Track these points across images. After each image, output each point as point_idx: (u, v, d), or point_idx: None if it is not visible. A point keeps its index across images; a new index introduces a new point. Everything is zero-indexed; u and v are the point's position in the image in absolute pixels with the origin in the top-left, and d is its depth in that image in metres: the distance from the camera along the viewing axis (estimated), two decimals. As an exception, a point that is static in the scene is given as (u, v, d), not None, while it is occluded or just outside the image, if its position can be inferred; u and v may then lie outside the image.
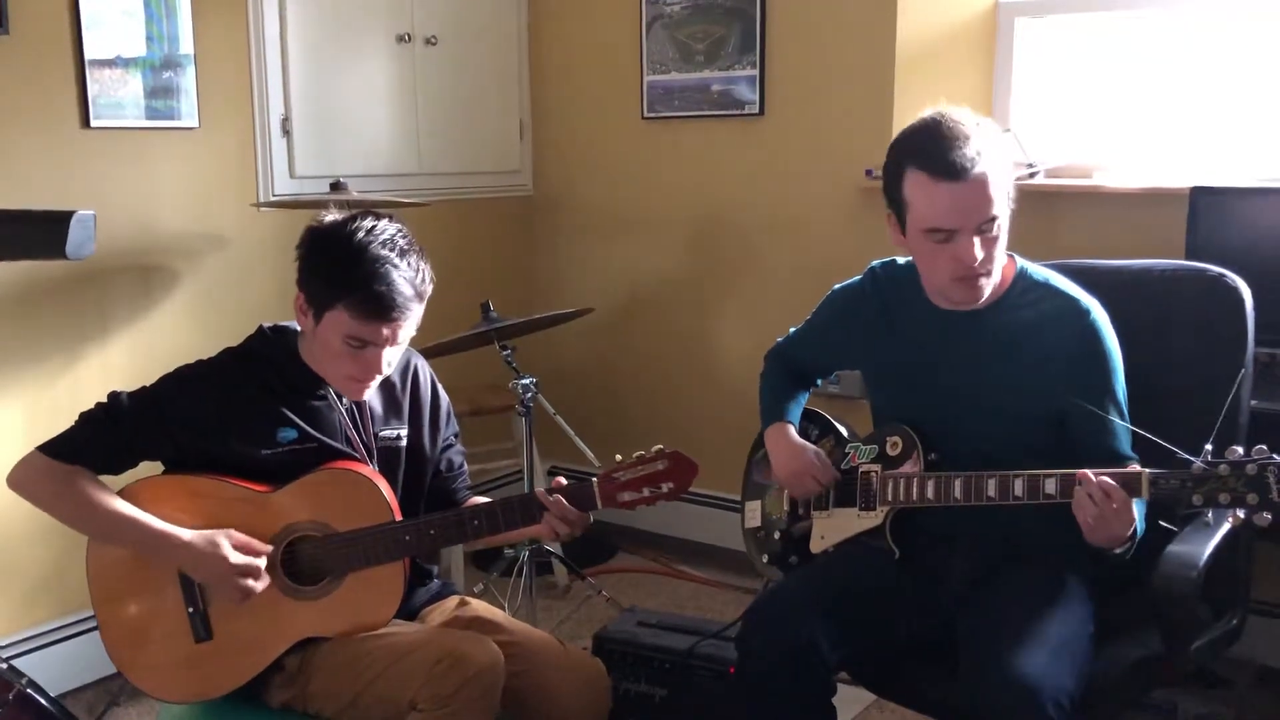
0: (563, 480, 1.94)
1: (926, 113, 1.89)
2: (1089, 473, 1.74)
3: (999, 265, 1.91)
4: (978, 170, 1.81)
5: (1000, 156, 1.85)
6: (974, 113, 1.89)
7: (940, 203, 1.83)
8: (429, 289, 1.90)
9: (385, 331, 1.85)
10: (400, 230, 1.90)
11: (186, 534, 1.84)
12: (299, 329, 1.96)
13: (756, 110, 3.56)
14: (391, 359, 1.91)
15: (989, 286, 1.91)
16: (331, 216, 1.93)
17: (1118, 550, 1.80)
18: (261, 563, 1.84)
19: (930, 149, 1.83)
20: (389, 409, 2.04)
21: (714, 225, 3.74)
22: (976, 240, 1.83)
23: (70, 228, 1.51)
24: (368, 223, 1.87)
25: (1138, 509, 1.76)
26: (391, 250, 1.85)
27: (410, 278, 1.86)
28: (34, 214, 1.61)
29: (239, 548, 1.84)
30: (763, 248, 3.64)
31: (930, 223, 1.85)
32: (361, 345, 1.86)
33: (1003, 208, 1.86)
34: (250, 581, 1.83)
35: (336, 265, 1.84)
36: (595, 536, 3.83)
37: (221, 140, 3.12)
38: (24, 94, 2.70)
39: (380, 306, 1.83)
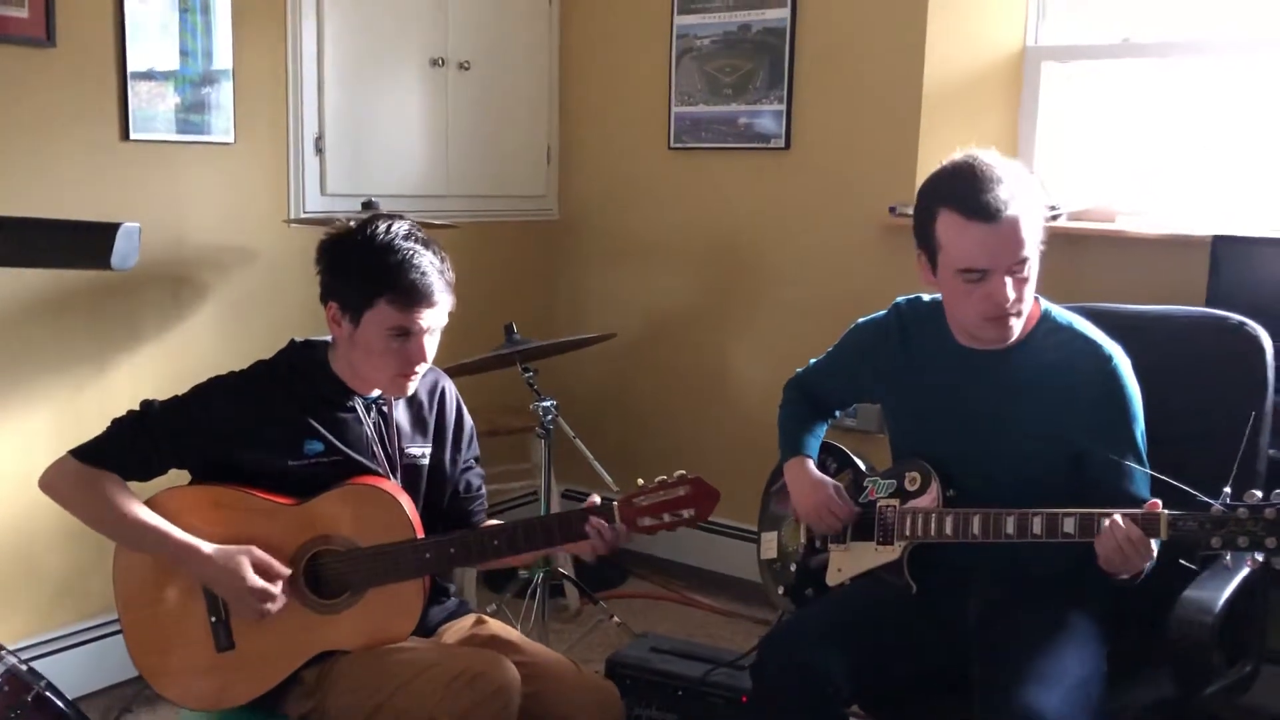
0: (596, 498, 1.96)
1: (958, 155, 1.92)
2: (1117, 517, 1.75)
3: (1029, 305, 1.93)
4: (1010, 212, 1.84)
5: (1032, 198, 1.88)
6: (1002, 155, 1.92)
7: (973, 243, 1.85)
8: (453, 277, 1.96)
9: (426, 317, 1.90)
10: (413, 224, 1.96)
11: (208, 548, 1.87)
12: (329, 341, 2.00)
13: (782, 144, 3.59)
14: (431, 348, 1.95)
15: (1019, 326, 1.94)
16: (339, 226, 1.99)
17: (1124, 576, 1.81)
18: (278, 587, 1.87)
19: (964, 191, 1.86)
20: (415, 427, 2.06)
21: (737, 256, 3.77)
22: (1009, 280, 1.86)
23: (116, 239, 1.53)
24: (382, 223, 1.93)
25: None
26: (415, 242, 1.91)
27: (438, 265, 1.92)
28: (81, 224, 1.64)
29: (259, 567, 1.86)
30: (785, 281, 3.67)
31: (963, 263, 1.87)
32: (405, 337, 1.90)
33: (1034, 249, 1.88)
34: (265, 605, 1.86)
35: (369, 264, 1.89)
36: (607, 560, 3.84)
37: (255, 156, 3.17)
38: (68, 105, 2.76)
39: (420, 292, 1.88)
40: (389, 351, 1.91)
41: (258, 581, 1.85)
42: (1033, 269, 1.89)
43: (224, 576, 1.85)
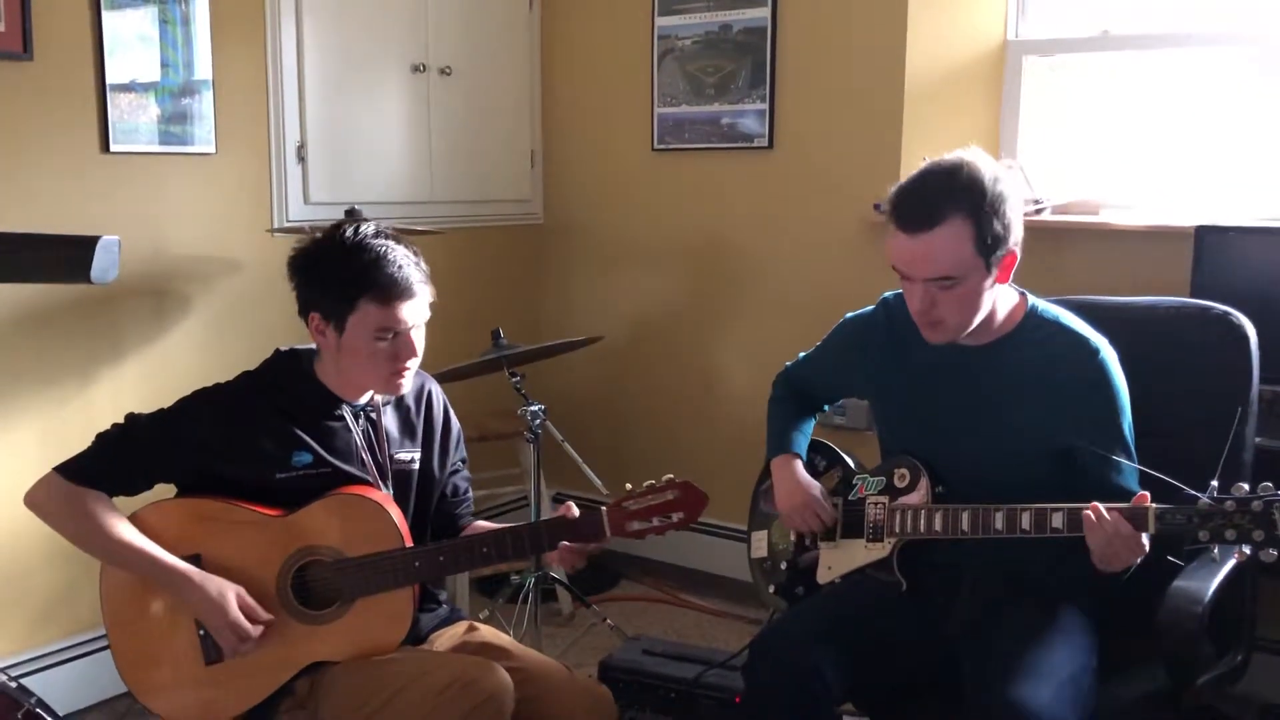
0: (574, 507, 1.96)
1: (945, 156, 1.91)
2: (1100, 507, 1.75)
3: (975, 314, 1.91)
4: (932, 230, 1.83)
5: (995, 214, 1.83)
6: (984, 163, 1.88)
7: (894, 249, 1.89)
8: (428, 269, 1.95)
9: (409, 312, 1.89)
10: (379, 223, 1.96)
11: (196, 574, 1.87)
12: (314, 350, 2.00)
13: (765, 144, 3.60)
14: (419, 341, 1.94)
15: (952, 333, 1.93)
16: (306, 237, 1.98)
17: (1116, 567, 1.80)
18: (258, 631, 1.87)
19: (898, 197, 1.89)
20: (404, 432, 2.06)
21: (722, 256, 3.77)
22: (922, 290, 1.88)
23: (96, 253, 1.53)
24: (349, 227, 1.93)
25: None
26: (384, 238, 1.91)
27: (412, 259, 1.92)
28: (60, 238, 1.63)
29: (244, 608, 1.86)
30: (770, 280, 3.67)
31: (890, 261, 1.91)
32: (392, 335, 1.89)
33: (968, 269, 1.85)
34: (241, 644, 1.86)
35: (345, 269, 1.89)
36: (599, 564, 3.84)
37: (237, 166, 3.16)
38: (47, 118, 2.74)
39: (400, 285, 1.87)
40: (378, 353, 1.90)
41: (239, 619, 1.85)
42: (975, 287, 1.87)
43: (208, 606, 1.85)
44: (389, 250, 1.89)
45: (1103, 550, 1.76)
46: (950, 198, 1.83)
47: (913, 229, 1.85)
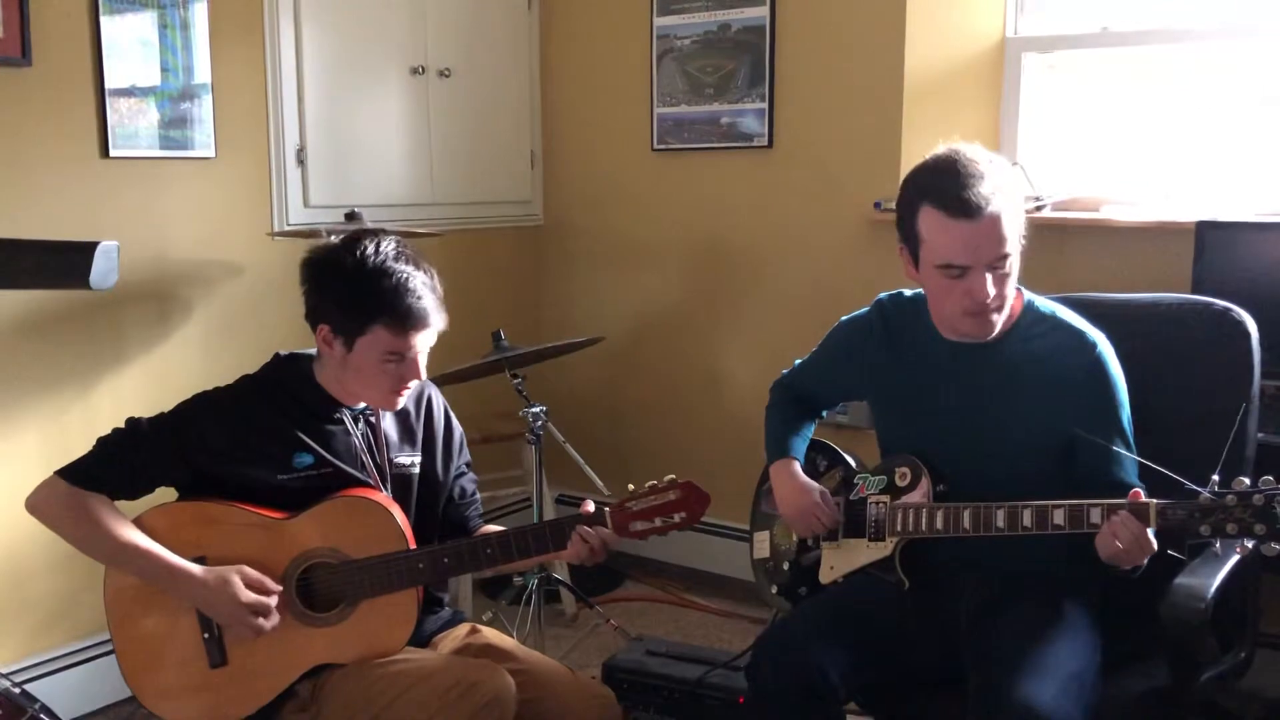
0: (590, 505, 1.96)
1: (941, 149, 1.92)
2: (1116, 521, 1.74)
3: (1010, 299, 1.93)
4: (991, 209, 1.83)
5: (1013, 193, 1.88)
6: (985, 149, 1.92)
7: (954, 240, 1.85)
8: (442, 292, 1.95)
9: (421, 339, 1.90)
10: (399, 242, 1.94)
11: (199, 571, 1.86)
12: (314, 353, 2.00)
13: (765, 143, 3.59)
14: (424, 364, 1.95)
15: (1000, 321, 1.93)
16: (322, 244, 1.98)
17: (1127, 567, 1.81)
18: (273, 601, 1.87)
19: (945, 187, 1.85)
20: (404, 436, 2.06)
21: (723, 256, 3.77)
22: (989, 277, 1.86)
23: (95, 258, 1.53)
24: (369, 243, 1.91)
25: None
26: (406, 263, 1.90)
27: (430, 284, 1.91)
28: (59, 244, 1.63)
29: (250, 585, 1.86)
30: (771, 279, 3.67)
31: (944, 259, 1.87)
32: (400, 359, 1.90)
33: (1015, 245, 1.87)
34: (261, 620, 1.86)
35: (362, 290, 1.88)
36: (602, 565, 3.84)
37: (237, 170, 3.16)
38: (46, 124, 2.74)
39: (417, 318, 1.88)
40: (383, 374, 1.91)
41: (252, 596, 1.85)
42: (1014, 264, 1.89)
43: (217, 597, 1.85)
44: (409, 278, 1.88)
45: (1112, 555, 1.75)
46: (995, 176, 1.85)
47: (974, 213, 1.83)
